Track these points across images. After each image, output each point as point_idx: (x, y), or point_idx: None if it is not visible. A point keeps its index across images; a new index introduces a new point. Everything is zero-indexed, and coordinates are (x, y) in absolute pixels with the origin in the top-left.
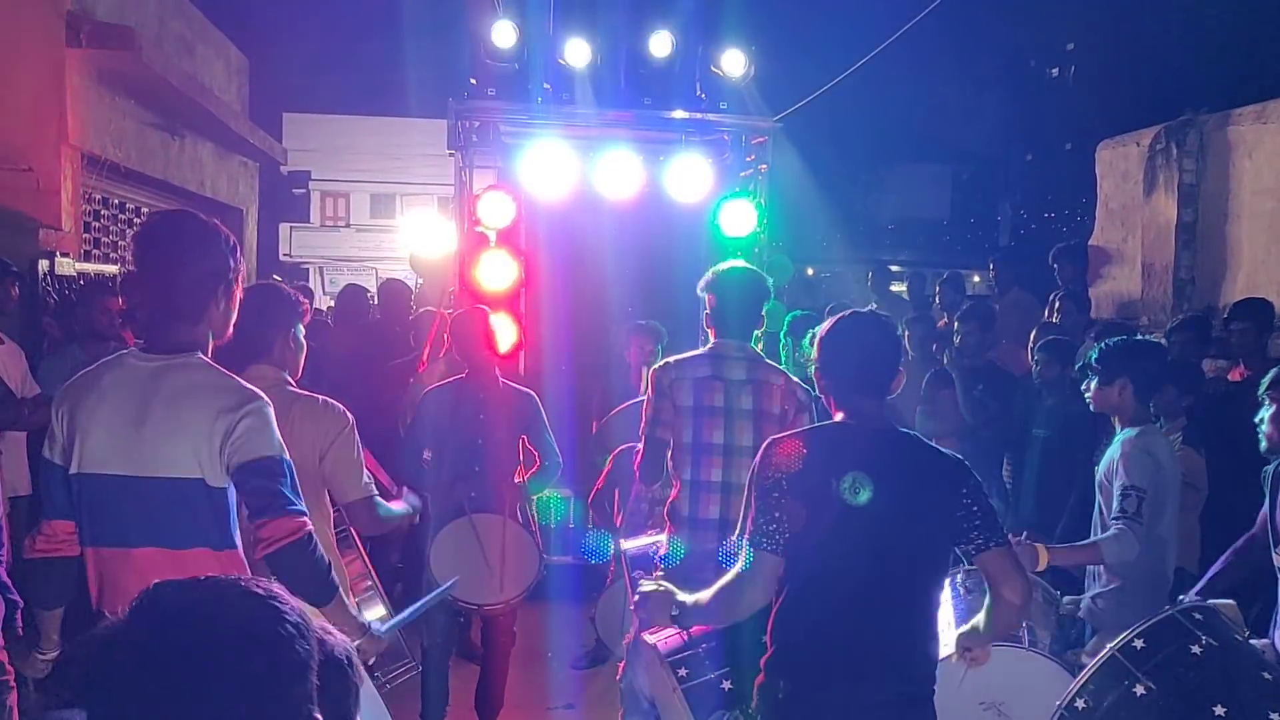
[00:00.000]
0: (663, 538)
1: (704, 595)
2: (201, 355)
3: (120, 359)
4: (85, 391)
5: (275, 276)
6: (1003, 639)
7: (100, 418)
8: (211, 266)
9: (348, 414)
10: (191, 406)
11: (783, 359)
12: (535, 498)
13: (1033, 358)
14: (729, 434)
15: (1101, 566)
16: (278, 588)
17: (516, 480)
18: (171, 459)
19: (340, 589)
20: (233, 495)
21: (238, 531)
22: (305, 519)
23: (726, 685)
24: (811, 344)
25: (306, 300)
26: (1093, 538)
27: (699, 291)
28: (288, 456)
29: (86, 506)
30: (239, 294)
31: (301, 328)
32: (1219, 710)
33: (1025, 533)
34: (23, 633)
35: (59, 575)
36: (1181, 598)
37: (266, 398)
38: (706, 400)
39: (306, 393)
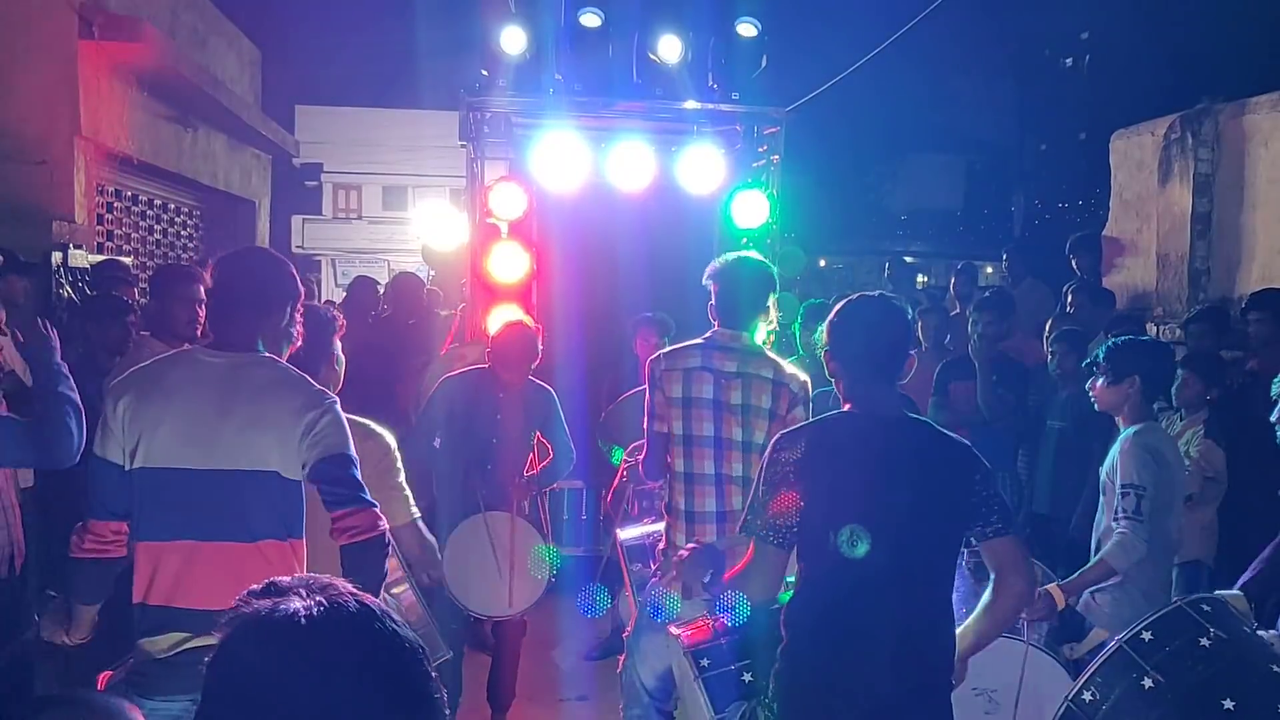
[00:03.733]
0: (659, 527)
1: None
2: (269, 354)
3: (185, 355)
4: (149, 387)
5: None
6: (995, 635)
7: (172, 413)
8: (280, 284)
9: (390, 440)
10: (276, 400)
11: (798, 349)
12: (547, 490)
13: (1049, 349)
14: (718, 426)
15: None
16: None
17: (526, 475)
18: (252, 452)
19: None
20: (304, 487)
21: (303, 521)
22: (382, 515)
23: (747, 677)
24: (823, 330)
25: (340, 316)
26: (1097, 554)
27: (704, 281)
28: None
29: (150, 501)
30: (300, 321)
31: (338, 342)
32: (1228, 704)
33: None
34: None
35: (105, 574)
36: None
37: (335, 396)
38: (694, 391)
39: (354, 417)
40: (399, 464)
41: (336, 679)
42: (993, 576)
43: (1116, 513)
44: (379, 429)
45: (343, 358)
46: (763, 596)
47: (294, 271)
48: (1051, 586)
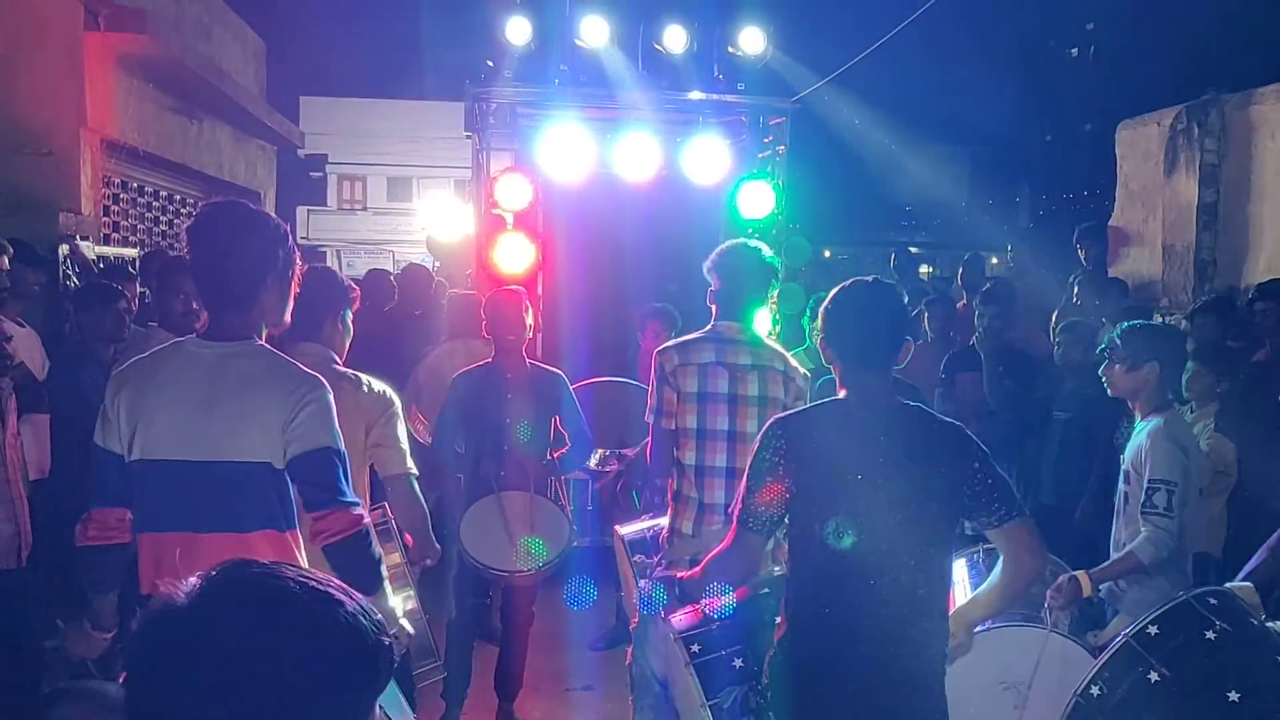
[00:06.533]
0: (660, 521)
1: (696, 570)
2: (260, 342)
3: (179, 346)
4: (144, 378)
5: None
6: (1004, 608)
7: (164, 404)
8: (259, 254)
9: (394, 397)
10: (260, 391)
11: (807, 341)
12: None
13: (1055, 340)
14: (733, 420)
15: (1122, 546)
16: (335, 583)
17: (546, 459)
18: (241, 443)
19: (385, 580)
20: None
21: (297, 511)
22: (361, 512)
23: (738, 662)
24: (818, 317)
25: (356, 288)
26: (1123, 546)
27: (705, 270)
28: (343, 447)
29: (148, 492)
30: (294, 281)
31: (349, 313)
32: (1233, 696)
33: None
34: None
35: (113, 561)
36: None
37: (328, 385)
38: (711, 387)
39: (354, 372)
40: (401, 419)
41: (229, 645)
42: (1002, 558)
43: (1146, 508)
44: (376, 382)
45: (351, 327)
46: (741, 579)
47: (268, 231)
48: (1080, 573)
